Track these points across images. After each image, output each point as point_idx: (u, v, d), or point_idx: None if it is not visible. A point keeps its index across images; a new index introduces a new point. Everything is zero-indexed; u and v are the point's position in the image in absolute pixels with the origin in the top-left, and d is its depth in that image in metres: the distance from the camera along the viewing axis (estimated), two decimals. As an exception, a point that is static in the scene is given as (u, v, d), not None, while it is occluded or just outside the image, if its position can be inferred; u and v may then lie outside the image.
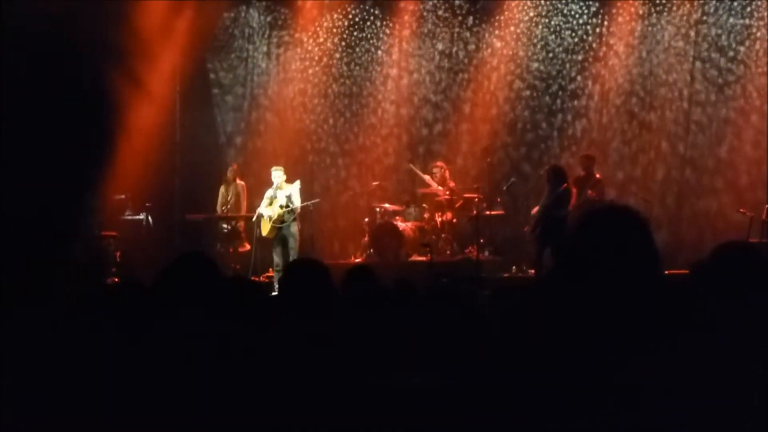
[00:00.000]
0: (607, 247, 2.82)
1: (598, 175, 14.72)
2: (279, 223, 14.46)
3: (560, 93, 16.69)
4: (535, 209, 13.82)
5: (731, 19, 15.91)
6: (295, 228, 14.52)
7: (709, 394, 2.64)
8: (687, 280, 3.61)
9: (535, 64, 16.77)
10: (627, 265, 2.80)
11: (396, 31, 17.22)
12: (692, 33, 16.08)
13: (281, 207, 14.43)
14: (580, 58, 16.60)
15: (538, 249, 13.51)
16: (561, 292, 2.85)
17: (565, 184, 13.39)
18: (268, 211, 14.53)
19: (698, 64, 16.12)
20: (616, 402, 2.63)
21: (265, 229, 14.55)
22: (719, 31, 15.98)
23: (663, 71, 16.27)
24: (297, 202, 14.51)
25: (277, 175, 14.66)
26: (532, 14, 16.71)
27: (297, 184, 14.65)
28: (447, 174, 15.74)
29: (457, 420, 2.84)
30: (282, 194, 14.49)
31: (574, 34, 16.60)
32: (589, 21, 16.53)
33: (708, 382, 2.64)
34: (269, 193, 14.62)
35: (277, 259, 14.52)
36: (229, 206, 15.54)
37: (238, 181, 15.67)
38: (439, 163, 15.93)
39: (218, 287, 3.89)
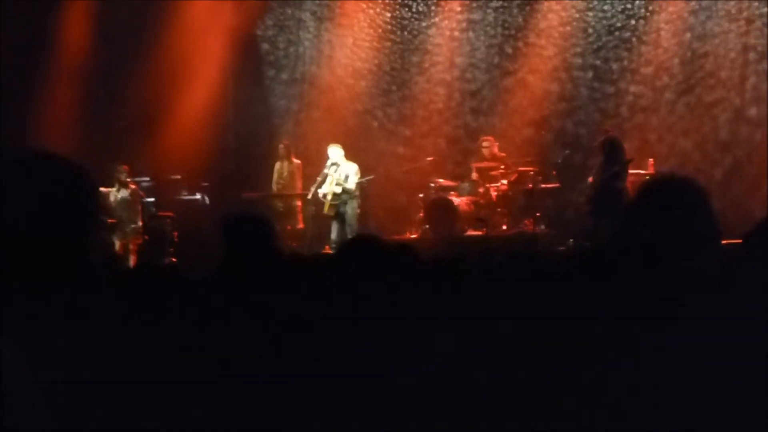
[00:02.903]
0: (667, 218, 2.79)
1: None
2: (334, 200, 14.50)
3: (614, 62, 16.50)
4: (591, 179, 13.66)
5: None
6: (354, 205, 14.58)
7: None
8: (740, 249, 3.58)
9: (588, 33, 16.57)
10: (687, 236, 2.78)
11: (446, 4, 17.13)
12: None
13: (338, 184, 14.43)
14: (635, 26, 16.37)
15: (595, 222, 13.36)
16: (620, 262, 2.84)
17: (624, 156, 13.27)
18: (325, 188, 14.57)
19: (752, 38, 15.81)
20: (677, 371, 2.62)
21: (326, 206, 14.63)
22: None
23: (718, 38, 15.99)
24: (352, 183, 14.51)
25: (335, 152, 14.66)
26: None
27: (354, 166, 14.65)
28: (496, 148, 15.61)
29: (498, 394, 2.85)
30: (338, 172, 14.52)
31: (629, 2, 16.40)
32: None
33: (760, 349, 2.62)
34: (325, 171, 14.67)
35: (333, 236, 14.57)
36: (283, 183, 15.61)
37: (293, 159, 15.72)
38: (487, 138, 15.77)
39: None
